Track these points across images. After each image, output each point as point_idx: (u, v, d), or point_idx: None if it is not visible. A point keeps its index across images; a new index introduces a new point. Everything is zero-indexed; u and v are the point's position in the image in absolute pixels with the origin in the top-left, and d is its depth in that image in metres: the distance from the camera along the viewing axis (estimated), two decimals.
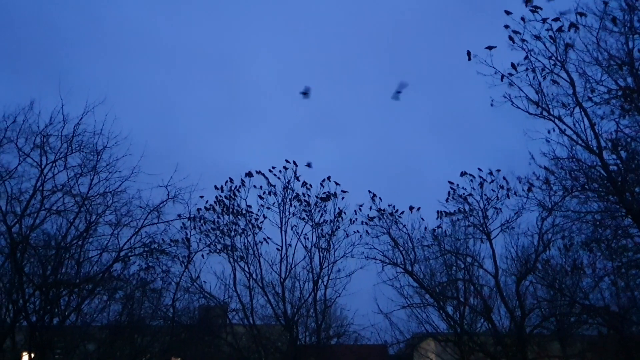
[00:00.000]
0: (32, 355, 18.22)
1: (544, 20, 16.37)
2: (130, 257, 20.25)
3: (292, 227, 22.80)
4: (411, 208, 22.18)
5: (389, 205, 22.43)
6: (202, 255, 22.18)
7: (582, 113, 16.92)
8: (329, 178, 22.93)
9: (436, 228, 22.09)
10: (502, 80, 16.87)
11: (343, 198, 22.80)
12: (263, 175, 22.91)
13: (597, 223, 18.03)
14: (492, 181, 21.44)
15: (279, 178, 22.96)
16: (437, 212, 22.19)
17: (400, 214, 22.34)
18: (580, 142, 17.15)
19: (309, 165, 22.53)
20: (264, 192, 22.93)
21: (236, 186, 22.74)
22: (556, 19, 16.28)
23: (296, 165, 22.87)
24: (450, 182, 21.95)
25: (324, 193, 22.83)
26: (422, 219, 22.27)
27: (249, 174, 22.65)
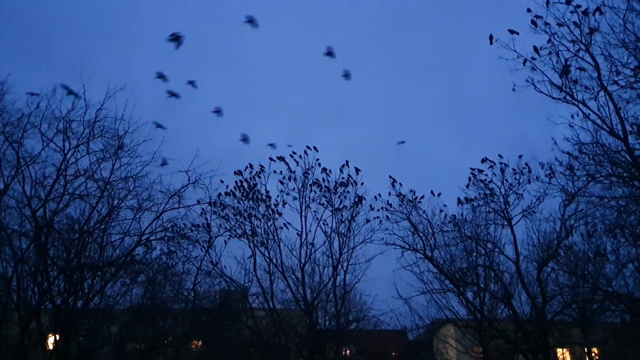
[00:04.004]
0: (57, 336, 18.52)
1: (569, 2, 16.00)
2: (152, 241, 20.40)
3: (310, 208, 22.85)
4: (432, 192, 22.21)
5: (410, 191, 22.50)
6: (225, 242, 22.32)
7: (607, 97, 16.43)
8: (347, 163, 23.02)
9: (450, 208, 22.06)
10: (524, 65, 16.48)
11: (362, 184, 22.97)
12: (284, 160, 22.90)
13: (622, 209, 17.64)
14: (515, 170, 21.26)
15: (297, 163, 22.96)
16: (458, 198, 22.25)
17: (420, 198, 22.33)
18: (604, 126, 16.70)
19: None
20: (284, 178, 22.99)
21: (256, 172, 22.87)
22: (578, 6, 15.91)
23: (317, 151, 22.99)
24: (471, 169, 21.88)
25: (343, 178, 22.92)
26: (445, 205, 22.30)
27: (270, 159, 22.72)
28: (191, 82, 17.39)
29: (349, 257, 22.78)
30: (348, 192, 22.84)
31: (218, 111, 18.65)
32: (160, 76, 16.77)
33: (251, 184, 22.81)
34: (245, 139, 20.05)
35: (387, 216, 22.42)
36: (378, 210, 22.52)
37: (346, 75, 18.11)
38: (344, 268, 22.76)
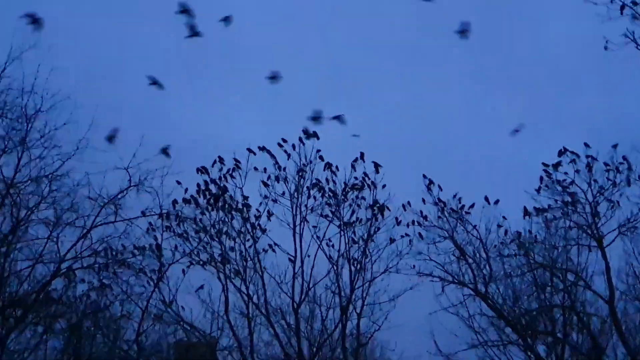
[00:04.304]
0: None
1: None
2: (76, 271, 20.40)
3: (308, 223, 22.69)
4: (487, 199, 22.02)
5: (453, 197, 22.32)
6: (183, 271, 21.99)
7: None
8: (362, 157, 22.82)
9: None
10: (622, 12, 16.39)
11: (384, 186, 22.62)
12: (268, 152, 22.67)
13: None
14: (607, 166, 21.26)
15: (289, 156, 22.77)
16: (524, 208, 22.14)
17: (469, 207, 22.24)
18: None
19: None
20: (269, 177, 22.72)
21: (229, 169, 22.68)
22: None
23: (317, 139, 22.67)
24: (544, 164, 21.93)
25: (356, 178, 22.79)
26: (504, 218, 22.05)
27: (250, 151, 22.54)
28: (226, 18, 17.26)
29: (364, 294, 22.40)
30: (363, 198, 22.71)
31: (274, 77, 18.79)
32: (184, 10, 16.54)
33: (221, 186, 22.56)
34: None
35: (420, 234, 22.35)
36: (407, 225, 22.41)
37: (463, 31, 17.61)
38: (358, 310, 22.47)
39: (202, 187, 22.55)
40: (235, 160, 22.69)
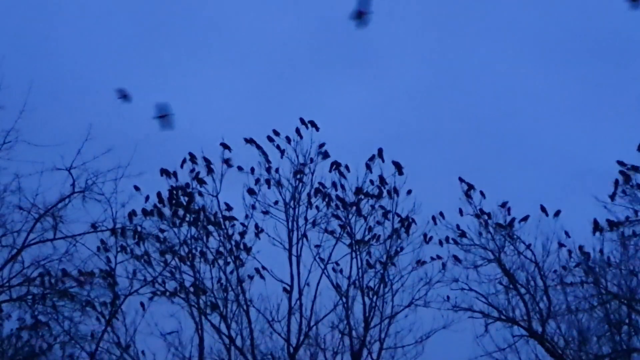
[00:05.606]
0: None
1: None
2: (3, 304, 18.95)
3: (308, 240, 20.99)
4: (544, 209, 20.34)
5: (500, 207, 20.53)
6: (142, 305, 20.14)
7: None
8: (380, 154, 21.20)
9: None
10: None
11: (410, 192, 20.81)
12: (256, 145, 21.12)
13: None
14: None
15: (283, 152, 21.14)
16: (594, 221, 20.21)
17: (521, 220, 20.53)
18: None
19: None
20: (257, 182, 21.08)
21: (198, 173, 21.09)
22: None
23: (317, 129, 21.26)
24: (620, 164, 20.07)
25: (372, 181, 21.09)
26: (567, 234, 20.14)
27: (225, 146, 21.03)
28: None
29: (383, 334, 20.53)
30: (382, 209, 20.98)
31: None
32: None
33: (193, 193, 20.90)
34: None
35: (455, 256, 20.62)
36: (440, 243, 20.77)
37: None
38: (374, 355, 20.55)
39: (167, 195, 21.08)
40: (206, 160, 21.12)
